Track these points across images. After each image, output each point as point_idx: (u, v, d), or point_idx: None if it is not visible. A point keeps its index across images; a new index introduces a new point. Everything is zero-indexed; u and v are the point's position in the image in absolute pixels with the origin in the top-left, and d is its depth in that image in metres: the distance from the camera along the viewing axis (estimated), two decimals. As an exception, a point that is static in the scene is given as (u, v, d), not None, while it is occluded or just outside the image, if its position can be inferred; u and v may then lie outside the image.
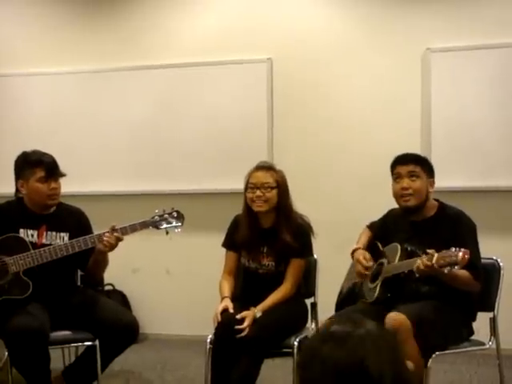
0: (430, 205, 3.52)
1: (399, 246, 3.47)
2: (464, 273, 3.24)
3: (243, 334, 3.34)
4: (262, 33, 5.46)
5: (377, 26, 5.28)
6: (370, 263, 3.57)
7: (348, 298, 3.68)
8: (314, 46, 5.39)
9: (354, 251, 3.67)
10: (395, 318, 3.16)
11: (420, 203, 3.47)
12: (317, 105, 5.39)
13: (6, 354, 3.50)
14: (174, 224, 3.70)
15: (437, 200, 3.56)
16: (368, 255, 3.60)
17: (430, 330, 3.17)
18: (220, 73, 5.48)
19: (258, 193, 3.59)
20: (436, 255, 3.09)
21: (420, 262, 3.16)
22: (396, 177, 3.51)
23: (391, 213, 3.70)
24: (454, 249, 3.07)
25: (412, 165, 3.47)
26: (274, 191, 3.61)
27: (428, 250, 3.16)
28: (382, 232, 3.70)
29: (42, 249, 3.58)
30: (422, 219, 3.51)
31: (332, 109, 5.37)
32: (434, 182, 3.53)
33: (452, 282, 3.27)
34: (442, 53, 5.07)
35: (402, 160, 3.51)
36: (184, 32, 5.64)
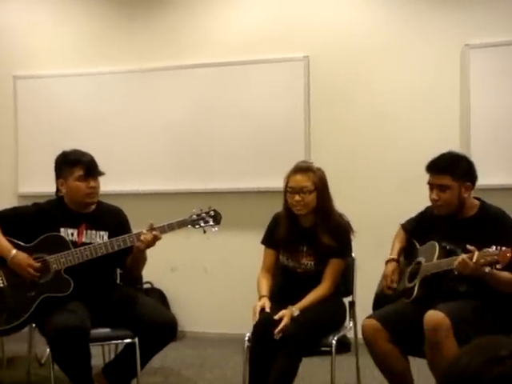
0: (469, 204, 3.45)
1: (437, 245, 3.42)
2: (506, 274, 3.17)
3: (281, 335, 3.34)
4: (299, 31, 5.45)
5: (415, 22, 5.23)
6: (395, 285, 3.56)
7: (385, 297, 3.66)
8: (352, 43, 5.36)
9: (387, 262, 3.65)
10: (434, 316, 3.14)
11: (452, 211, 3.43)
12: (354, 102, 5.37)
13: (48, 350, 3.56)
14: (211, 223, 3.72)
15: (478, 199, 3.49)
16: (396, 274, 3.58)
17: (469, 328, 3.13)
18: (257, 71, 5.49)
19: (297, 197, 3.57)
20: (477, 253, 3.06)
21: (460, 261, 3.12)
22: (428, 184, 3.46)
23: (429, 210, 3.63)
24: (495, 247, 3.03)
25: (441, 176, 3.39)
26: (313, 194, 3.58)
27: (468, 247, 3.12)
28: (418, 229, 3.66)
29: (82, 247, 3.63)
30: (462, 218, 3.46)
31: (370, 106, 5.34)
32: (470, 186, 3.41)
33: (492, 282, 3.21)
34: (480, 49, 5.01)
35: (432, 169, 3.42)
36: (221, 31, 5.66)
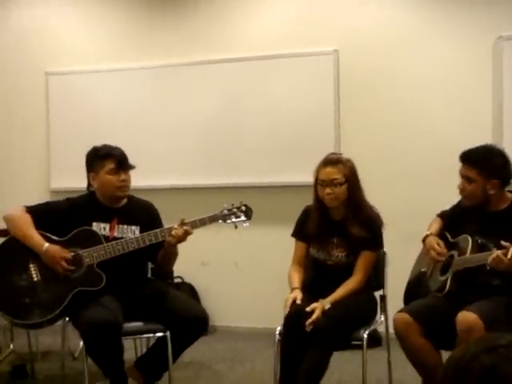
0: (501, 198, 3.43)
1: (470, 238, 3.39)
2: None
3: (312, 327, 3.34)
4: (328, 25, 5.43)
5: (446, 14, 5.18)
6: (444, 250, 3.51)
7: (416, 289, 3.64)
8: (381, 36, 5.33)
9: (425, 237, 3.61)
10: (467, 317, 3.11)
11: (477, 203, 3.42)
12: (384, 95, 5.34)
13: (82, 344, 3.60)
14: (242, 218, 3.72)
15: (511, 191, 3.47)
16: (441, 242, 3.54)
17: (503, 328, 3.09)
18: (286, 66, 5.48)
19: (328, 190, 3.55)
20: (511, 249, 3.03)
21: (495, 257, 3.09)
22: (459, 172, 3.46)
23: (462, 203, 3.61)
24: None
25: (469, 168, 3.39)
26: (344, 186, 3.56)
27: (503, 243, 3.09)
28: (451, 222, 3.63)
29: (114, 242, 3.66)
30: (494, 211, 3.43)
31: (400, 99, 5.30)
32: (497, 183, 3.37)
33: None
34: (514, 40, 4.95)
35: (463, 159, 3.43)
36: (250, 25, 5.66)
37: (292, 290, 3.60)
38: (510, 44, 4.95)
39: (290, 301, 3.48)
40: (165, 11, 5.88)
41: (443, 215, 3.73)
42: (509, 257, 3.03)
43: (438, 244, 3.52)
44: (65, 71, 6.02)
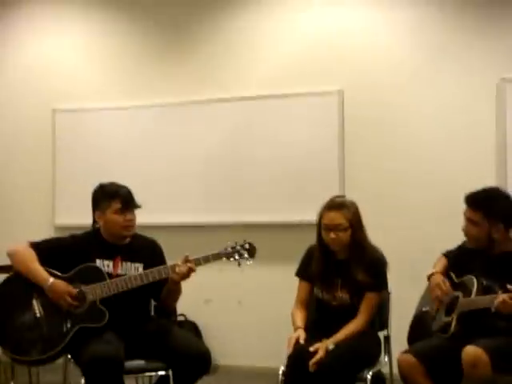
0: (506, 239, 3.42)
1: (475, 280, 3.38)
2: None
3: (315, 367, 3.31)
4: (333, 65, 5.49)
5: (450, 55, 5.24)
6: (450, 289, 3.49)
7: (419, 329, 3.62)
8: (386, 76, 5.38)
9: (430, 275, 3.60)
10: (473, 352, 3.10)
11: (481, 246, 3.42)
12: (389, 135, 5.37)
13: (83, 381, 3.57)
14: (245, 256, 3.72)
15: None
16: (447, 281, 3.52)
17: (509, 364, 3.08)
18: (292, 105, 5.53)
19: (332, 235, 3.56)
20: None
21: (501, 300, 3.08)
22: (464, 214, 3.46)
23: (466, 244, 3.61)
24: None
25: (474, 211, 3.40)
26: (348, 231, 3.57)
27: (509, 286, 3.08)
28: (456, 263, 3.62)
29: (117, 278, 3.64)
30: (499, 253, 3.43)
31: (404, 139, 5.33)
32: (502, 228, 3.37)
33: None
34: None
35: (468, 201, 3.44)
36: (254, 65, 5.72)
37: (295, 329, 3.58)
38: (512, 86, 5.00)
39: (293, 340, 3.47)
40: (171, 51, 5.95)
41: (448, 255, 3.72)
42: None
43: (444, 282, 3.50)
44: (72, 108, 6.08)
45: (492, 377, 3.00)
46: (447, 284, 3.51)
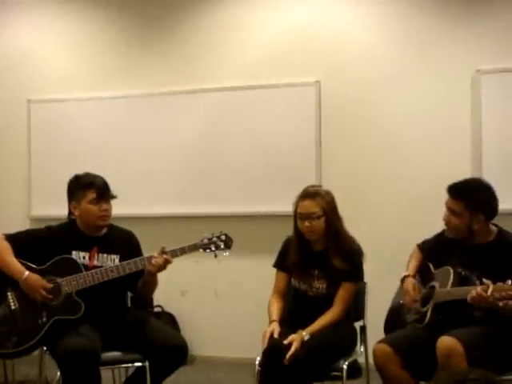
0: (486, 230, 3.43)
1: (452, 270, 3.39)
2: None
3: (291, 360, 3.32)
4: (311, 56, 5.49)
5: (426, 48, 5.26)
6: (418, 297, 3.50)
7: (396, 319, 3.64)
8: (363, 68, 5.39)
9: (403, 278, 3.61)
10: (447, 342, 3.11)
11: (461, 236, 3.43)
12: (365, 126, 5.39)
13: (59, 374, 3.56)
14: (222, 247, 3.72)
15: (496, 225, 3.47)
16: (417, 286, 3.54)
17: (483, 355, 3.09)
18: (269, 96, 5.52)
19: (307, 223, 3.58)
20: (491, 287, 3.04)
21: (474, 295, 3.10)
22: (445, 204, 3.48)
23: (445, 233, 3.60)
24: (510, 281, 3.02)
25: (455, 201, 3.39)
26: (322, 219, 3.59)
27: (484, 280, 3.10)
28: (434, 252, 3.62)
29: (93, 270, 3.63)
30: (479, 244, 3.43)
31: (381, 131, 5.35)
32: (483, 219, 3.38)
33: (507, 314, 3.16)
34: (491, 74, 5.03)
35: (449, 191, 3.44)
36: (232, 56, 5.71)
37: (270, 322, 3.59)
38: (488, 77, 5.03)
39: (267, 334, 3.48)
40: (147, 41, 5.91)
41: (423, 246, 3.74)
42: (489, 294, 3.04)
43: (414, 289, 3.52)
44: (47, 99, 6.02)
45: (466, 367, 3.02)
46: (417, 290, 3.52)
